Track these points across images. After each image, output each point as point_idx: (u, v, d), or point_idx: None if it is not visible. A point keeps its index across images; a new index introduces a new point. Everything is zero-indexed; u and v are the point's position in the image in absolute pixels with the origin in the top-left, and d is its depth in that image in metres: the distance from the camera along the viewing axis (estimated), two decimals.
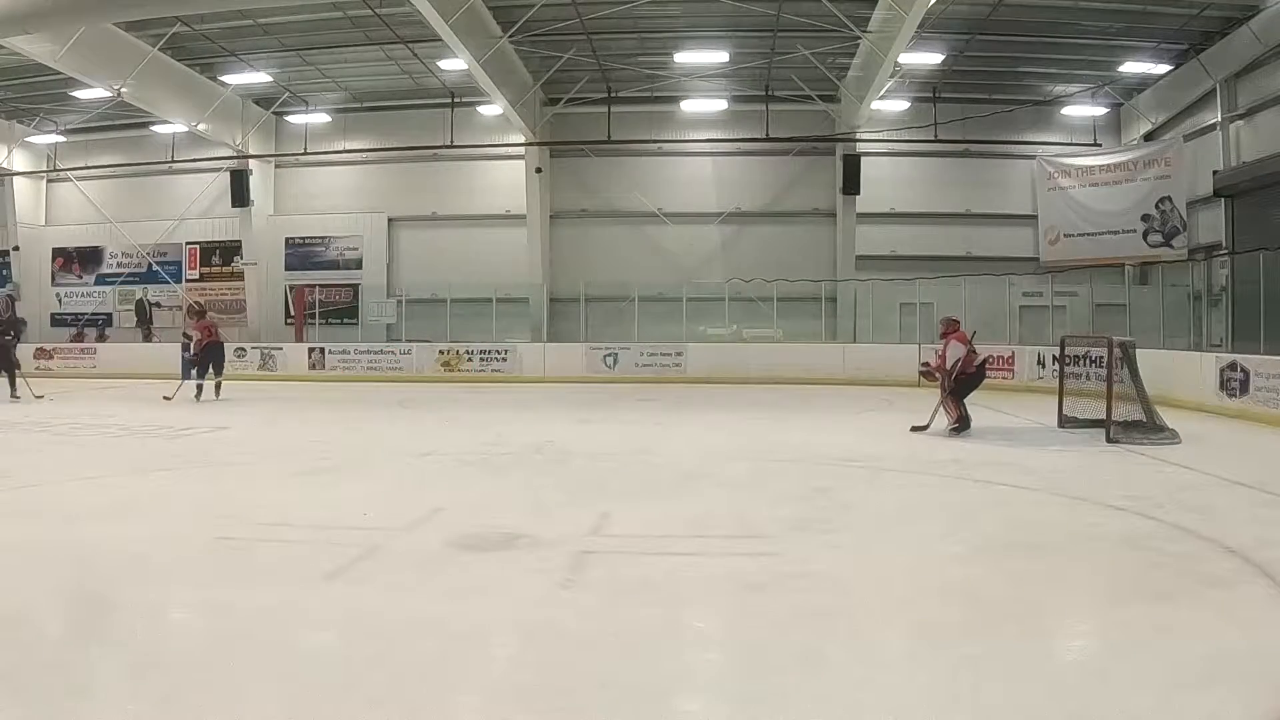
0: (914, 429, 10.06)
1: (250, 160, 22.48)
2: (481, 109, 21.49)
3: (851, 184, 21.04)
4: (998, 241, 21.60)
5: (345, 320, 23.05)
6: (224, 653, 3.41)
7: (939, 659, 3.34)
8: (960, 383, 9.98)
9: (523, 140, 21.48)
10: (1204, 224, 19.25)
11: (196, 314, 15.68)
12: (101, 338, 24.07)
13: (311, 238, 23.75)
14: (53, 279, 25.05)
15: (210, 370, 14.66)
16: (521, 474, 7.57)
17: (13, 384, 14.27)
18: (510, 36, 17.35)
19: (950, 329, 10.31)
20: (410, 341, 21.23)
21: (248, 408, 13.54)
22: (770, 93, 20.95)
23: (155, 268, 24.30)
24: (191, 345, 14.89)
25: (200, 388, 14.45)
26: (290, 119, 23.06)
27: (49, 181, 24.86)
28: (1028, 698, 2.95)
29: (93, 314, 24.71)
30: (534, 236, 21.94)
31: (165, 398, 13.95)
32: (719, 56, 19.20)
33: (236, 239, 23.33)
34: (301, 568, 4.51)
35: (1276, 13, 15.74)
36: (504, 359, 20.33)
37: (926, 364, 11.01)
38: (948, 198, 21.81)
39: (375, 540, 5.05)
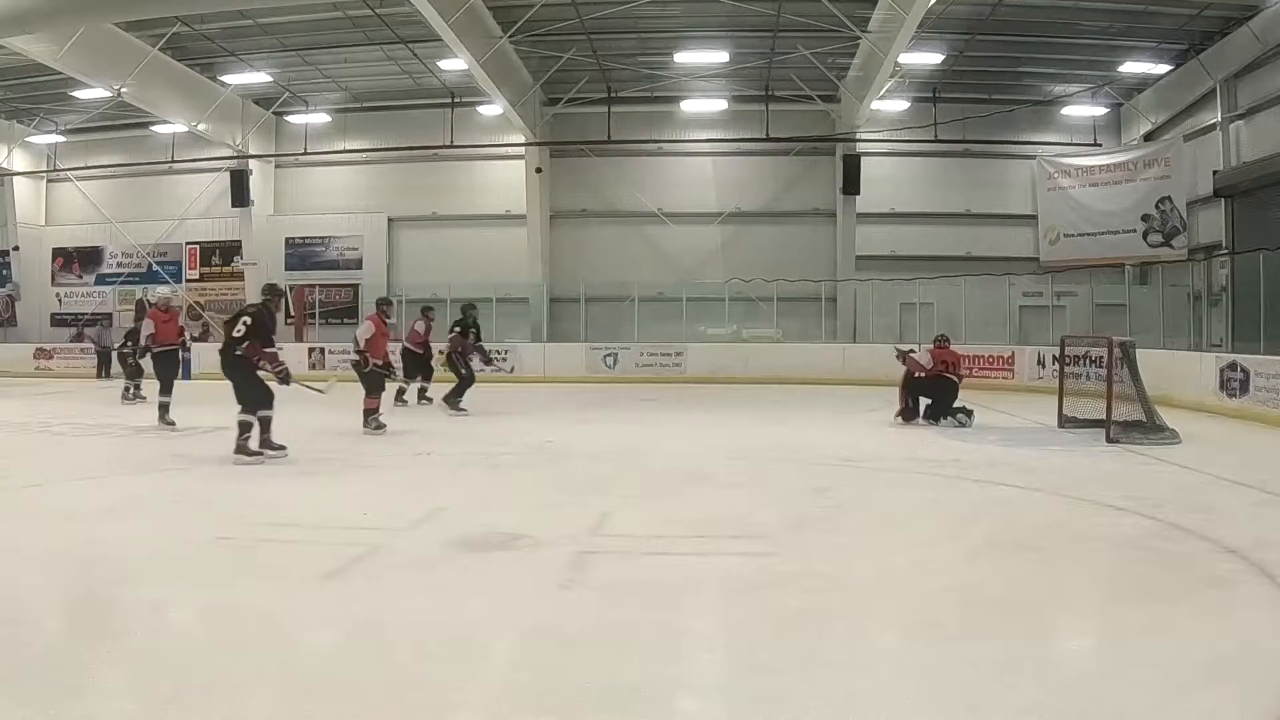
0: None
1: (250, 160, 22.49)
2: (481, 109, 21.50)
3: (851, 184, 21.04)
4: (998, 241, 21.61)
5: (345, 320, 23.02)
6: (224, 653, 3.40)
7: (939, 659, 3.33)
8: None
9: (523, 140, 21.49)
10: (1204, 224, 19.25)
11: (426, 316, 13.50)
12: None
13: (311, 238, 23.75)
14: (53, 279, 25.06)
15: (403, 376, 13.28)
16: (522, 474, 7.57)
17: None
18: (510, 36, 17.36)
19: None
20: None
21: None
22: (770, 93, 20.95)
23: (155, 268, 24.30)
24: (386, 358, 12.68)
25: (423, 390, 13.40)
26: (290, 119, 23.06)
27: (49, 181, 24.87)
28: (1028, 698, 2.94)
29: (93, 314, 24.71)
30: (534, 236, 21.94)
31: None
32: (719, 56, 19.21)
33: (236, 239, 23.33)
34: (301, 568, 4.51)
35: (1276, 13, 15.74)
36: (503, 359, 20.30)
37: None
38: (948, 198, 21.81)
39: (375, 540, 5.05)
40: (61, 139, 23.52)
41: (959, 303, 19.33)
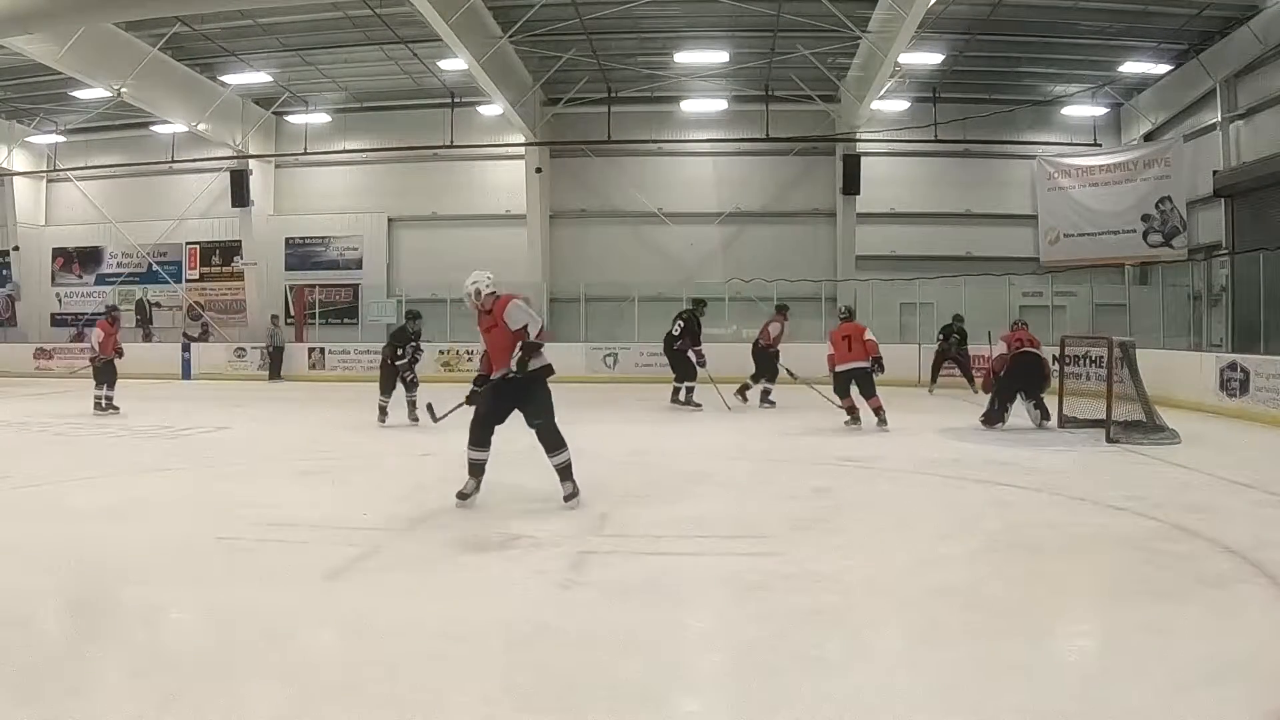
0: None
1: (250, 160, 22.48)
2: (481, 109, 21.49)
3: (851, 184, 21.04)
4: (998, 241, 21.60)
5: (345, 320, 23.07)
6: (224, 653, 3.41)
7: (939, 659, 3.33)
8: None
9: (523, 140, 21.48)
10: (1204, 224, 19.25)
11: (783, 316, 13.81)
12: None
13: (311, 238, 23.75)
14: (53, 279, 25.06)
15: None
16: (521, 474, 7.55)
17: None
18: (510, 36, 17.36)
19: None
20: None
21: (248, 408, 13.54)
22: (770, 93, 20.94)
23: (155, 268, 24.30)
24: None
25: (766, 393, 13.38)
26: (290, 119, 23.06)
27: (49, 181, 24.87)
28: (1028, 698, 2.94)
29: (93, 314, 24.68)
30: (534, 236, 21.94)
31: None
32: (719, 56, 19.20)
33: (236, 239, 23.33)
34: (301, 568, 4.51)
35: (1276, 13, 15.74)
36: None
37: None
38: (948, 198, 21.80)
39: (375, 540, 5.05)
40: (61, 139, 23.51)
41: (959, 303, 19.31)
